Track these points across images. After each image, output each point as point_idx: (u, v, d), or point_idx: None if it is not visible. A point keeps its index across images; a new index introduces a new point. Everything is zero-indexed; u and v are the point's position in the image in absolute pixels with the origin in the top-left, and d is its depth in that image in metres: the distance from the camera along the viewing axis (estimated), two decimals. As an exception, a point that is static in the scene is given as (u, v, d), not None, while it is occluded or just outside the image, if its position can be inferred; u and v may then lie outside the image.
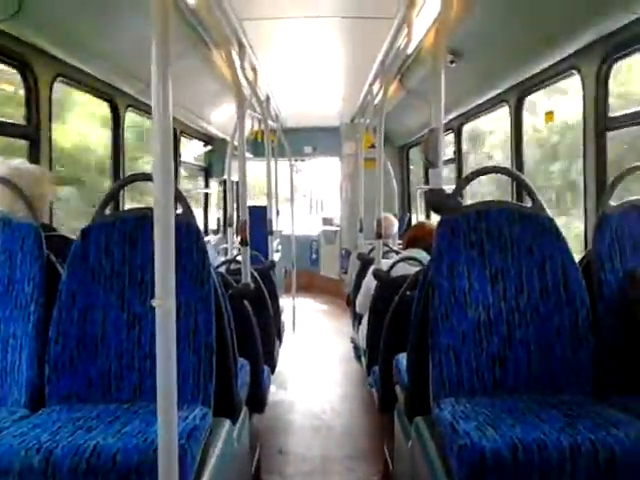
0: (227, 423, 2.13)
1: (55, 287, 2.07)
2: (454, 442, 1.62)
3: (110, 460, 1.54)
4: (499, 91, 4.09)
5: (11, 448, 1.58)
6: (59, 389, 1.99)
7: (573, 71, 3.16)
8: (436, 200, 2.16)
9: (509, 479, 1.53)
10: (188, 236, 2.06)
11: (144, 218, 2.09)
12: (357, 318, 4.47)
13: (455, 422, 1.70)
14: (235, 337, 2.26)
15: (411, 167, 8.03)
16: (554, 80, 3.51)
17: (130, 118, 4.40)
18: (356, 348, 4.54)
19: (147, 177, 2.21)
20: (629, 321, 2.03)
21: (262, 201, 7.25)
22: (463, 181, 2.30)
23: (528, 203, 2.19)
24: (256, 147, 8.02)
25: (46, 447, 1.58)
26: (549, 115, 3.76)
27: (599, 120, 2.95)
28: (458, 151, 5.42)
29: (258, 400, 2.98)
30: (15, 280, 2.08)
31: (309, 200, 10.54)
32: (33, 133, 3.05)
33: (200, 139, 6.94)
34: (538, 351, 2.01)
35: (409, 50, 3.94)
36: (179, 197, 2.15)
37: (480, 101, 4.52)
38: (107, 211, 2.26)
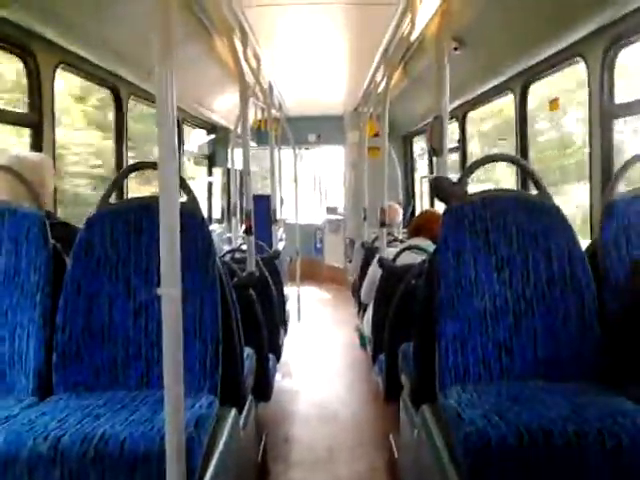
0: (233, 411, 2.14)
1: (61, 276, 2.08)
2: (460, 430, 1.62)
3: (118, 448, 1.56)
4: (503, 79, 4.05)
5: (19, 436, 1.59)
6: (66, 377, 2.01)
7: (578, 58, 3.14)
8: (441, 188, 2.15)
9: (515, 466, 1.54)
10: (193, 224, 2.05)
11: (149, 206, 2.08)
12: (362, 307, 4.48)
13: (461, 410, 1.71)
14: (241, 326, 2.27)
15: (415, 156, 8.01)
16: (559, 67, 3.48)
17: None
18: (361, 337, 4.55)
19: (152, 165, 2.21)
20: (635, 309, 2.02)
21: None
22: (468, 169, 2.28)
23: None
24: (260, 136, 8.01)
25: (54, 435, 1.59)
26: (554, 103, 3.74)
27: (605, 108, 2.93)
28: (462, 139, 5.40)
29: (264, 389, 2.99)
30: (21, 269, 2.08)
31: (317, 189, 10.51)
32: (36, 121, 3.05)
33: (203, 128, 6.93)
34: (544, 339, 2.01)
35: (412, 37, 3.91)
36: (184, 185, 2.15)
37: (484, 89, 4.49)
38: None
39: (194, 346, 1.97)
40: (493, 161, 2.40)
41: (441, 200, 2.21)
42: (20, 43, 2.90)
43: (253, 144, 7.97)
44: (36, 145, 3.05)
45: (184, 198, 2.14)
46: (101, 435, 1.59)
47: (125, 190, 4.05)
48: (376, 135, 6.55)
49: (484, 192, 2.16)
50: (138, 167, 2.51)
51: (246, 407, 2.36)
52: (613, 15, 2.66)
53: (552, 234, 2.08)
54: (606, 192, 2.22)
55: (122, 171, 2.60)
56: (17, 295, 2.07)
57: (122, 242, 2.10)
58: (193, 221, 2.06)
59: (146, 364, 2.02)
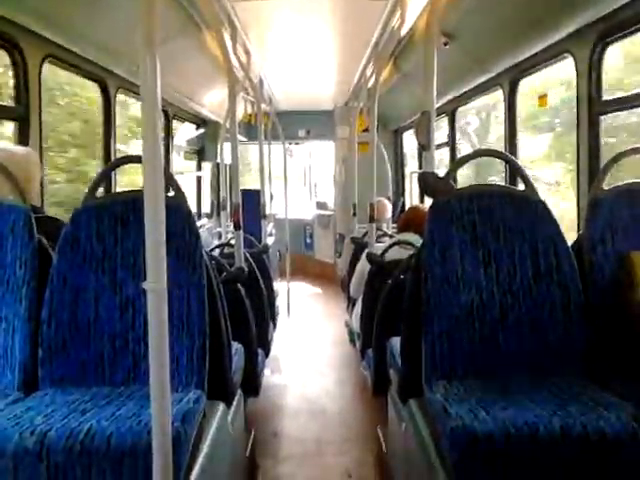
0: (221, 406, 2.15)
1: (46, 270, 2.06)
2: (446, 424, 1.63)
3: (104, 442, 1.55)
4: (493, 75, 4.07)
5: (5, 431, 1.59)
6: (52, 372, 2.00)
7: (566, 54, 3.15)
8: (428, 183, 2.16)
9: (500, 461, 1.55)
10: (179, 219, 2.05)
11: (135, 200, 2.07)
12: (351, 302, 4.49)
13: (447, 404, 1.72)
14: (228, 320, 2.27)
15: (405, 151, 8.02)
16: (547, 63, 3.50)
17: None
18: (350, 332, 4.56)
19: (138, 159, 2.20)
20: (620, 304, 2.04)
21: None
22: (456, 164, 2.29)
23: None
24: (250, 130, 7.98)
25: (40, 429, 1.58)
26: (542, 98, 3.75)
27: (592, 104, 2.94)
28: (452, 134, 5.41)
29: (253, 383, 3.00)
30: (6, 263, 2.07)
31: (307, 185, 10.50)
32: (22, 114, 3.02)
33: (193, 122, 6.90)
34: (530, 333, 2.03)
35: (402, 32, 3.91)
36: (170, 180, 2.14)
37: (474, 84, 4.50)
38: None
39: (181, 341, 1.97)
40: (480, 156, 2.41)
41: (428, 195, 2.21)
42: (6, 36, 2.87)
43: (243, 138, 7.95)
44: (23, 139, 3.03)
45: (171, 193, 2.13)
46: (87, 430, 1.58)
47: (113, 183, 4.03)
48: (366, 130, 6.55)
49: (471, 187, 2.17)
50: (125, 161, 2.49)
51: (234, 402, 2.36)
52: (600, 12, 2.67)
53: (538, 229, 2.10)
54: (592, 187, 2.24)
55: (109, 165, 2.58)
56: (2, 290, 2.05)
57: (108, 236, 2.09)
58: (180, 215, 2.05)
59: (133, 359, 2.01)
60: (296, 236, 8.80)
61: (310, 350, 5.41)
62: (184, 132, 6.80)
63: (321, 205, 9.40)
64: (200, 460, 1.78)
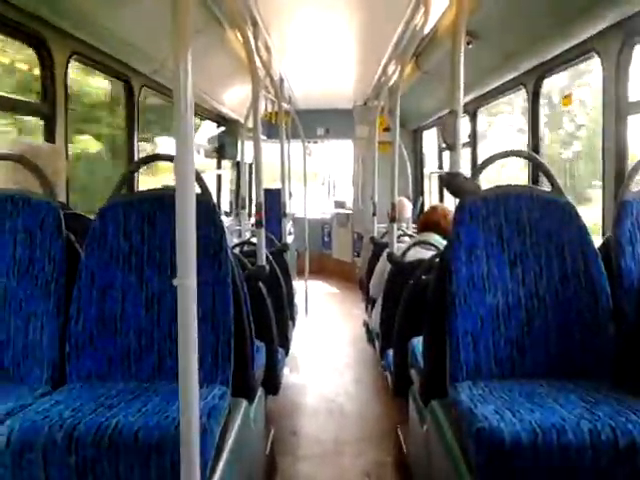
0: (244, 403, 2.16)
1: (74, 266, 2.09)
2: (472, 425, 1.62)
3: (132, 437, 1.57)
4: (516, 74, 4.02)
5: (34, 424, 1.61)
6: (79, 367, 2.02)
7: (593, 54, 3.11)
8: (455, 183, 2.14)
9: (528, 463, 1.53)
10: (206, 216, 2.05)
11: (162, 198, 2.09)
12: (370, 301, 4.48)
13: (473, 405, 1.70)
14: (252, 319, 2.27)
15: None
16: (573, 63, 3.45)
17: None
18: (369, 331, 4.55)
19: (167, 157, 2.22)
20: None
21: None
22: (482, 164, 2.27)
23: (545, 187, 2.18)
24: (268, 129, 8.00)
25: (69, 423, 1.60)
26: (567, 98, 3.71)
27: (619, 104, 2.90)
28: (473, 135, 5.37)
29: (273, 382, 3.00)
30: (35, 259, 2.09)
31: (326, 184, 10.50)
32: (48, 111, 3.06)
33: (213, 120, 6.92)
34: (557, 336, 2.01)
35: (425, 30, 3.88)
36: (197, 177, 2.15)
37: (496, 84, 4.46)
38: None
39: (207, 338, 1.97)
40: (507, 156, 2.39)
41: (454, 195, 2.19)
42: (34, 33, 2.90)
43: (262, 137, 7.94)
44: (49, 135, 3.06)
45: (197, 190, 2.14)
46: (115, 424, 1.60)
47: (136, 182, 4.06)
48: (386, 129, 6.52)
49: (498, 187, 2.15)
50: (152, 159, 2.51)
51: (256, 400, 2.37)
52: (629, 10, 2.62)
53: (566, 231, 2.08)
54: (620, 190, 2.21)
55: (135, 162, 2.60)
56: (31, 285, 2.08)
57: (135, 233, 2.10)
58: (206, 213, 2.06)
59: (158, 355, 2.02)
60: (314, 235, 8.80)
61: (328, 349, 5.41)
62: (204, 130, 6.83)
63: (339, 204, 9.39)
64: (225, 456, 1.79)
